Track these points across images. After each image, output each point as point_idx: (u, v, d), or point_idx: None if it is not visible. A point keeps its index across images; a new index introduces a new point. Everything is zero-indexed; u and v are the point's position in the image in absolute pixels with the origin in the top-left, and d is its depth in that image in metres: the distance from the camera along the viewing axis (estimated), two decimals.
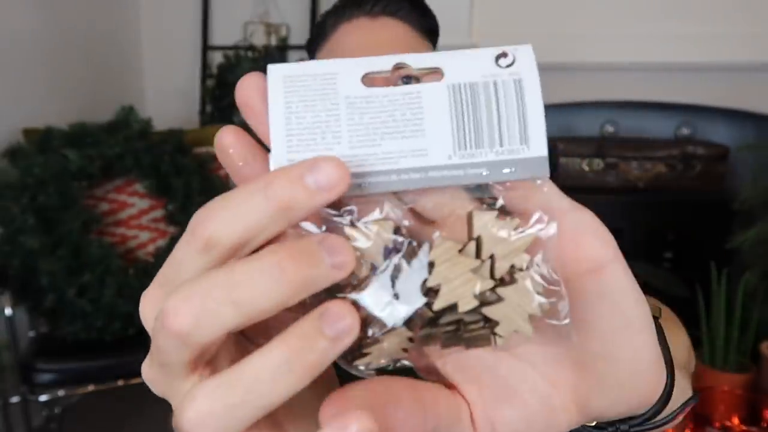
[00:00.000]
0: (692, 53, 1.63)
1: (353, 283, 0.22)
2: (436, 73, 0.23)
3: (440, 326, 0.22)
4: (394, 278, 0.22)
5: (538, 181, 0.23)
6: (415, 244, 0.22)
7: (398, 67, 0.23)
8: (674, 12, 1.68)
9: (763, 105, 1.46)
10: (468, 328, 0.22)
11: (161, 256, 1.64)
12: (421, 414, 0.21)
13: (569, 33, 1.75)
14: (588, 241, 0.22)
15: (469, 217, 0.22)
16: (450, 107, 0.22)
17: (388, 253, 0.22)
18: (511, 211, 0.23)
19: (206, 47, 2.25)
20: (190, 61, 2.28)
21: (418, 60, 0.23)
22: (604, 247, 0.22)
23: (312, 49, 0.76)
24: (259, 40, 2.21)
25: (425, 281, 0.22)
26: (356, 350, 0.22)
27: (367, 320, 0.22)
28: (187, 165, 1.71)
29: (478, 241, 0.22)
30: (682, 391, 0.35)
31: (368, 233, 0.22)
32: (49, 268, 1.47)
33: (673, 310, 0.51)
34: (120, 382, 1.53)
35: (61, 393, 1.53)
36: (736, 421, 0.91)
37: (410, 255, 0.22)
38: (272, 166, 0.21)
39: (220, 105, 2.22)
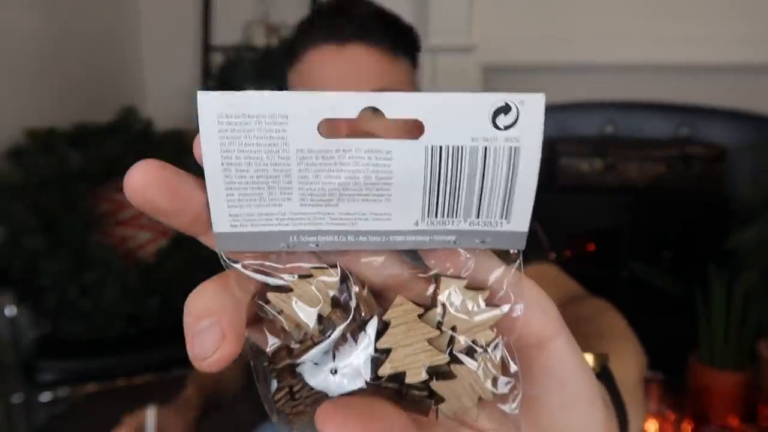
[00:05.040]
0: (692, 53, 1.63)
1: (290, 345, 0.20)
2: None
3: (381, 386, 0.20)
4: (335, 350, 0.19)
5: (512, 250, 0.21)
6: (363, 313, 0.20)
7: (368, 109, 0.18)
8: (674, 12, 1.69)
9: (762, 105, 1.47)
10: (410, 393, 0.20)
11: (162, 256, 1.64)
12: None
13: (569, 33, 1.76)
14: (532, 315, 0.21)
15: (436, 282, 0.20)
16: (425, 174, 0.18)
17: (330, 322, 0.19)
18: (477, 283, 0.20)
19: (207, 47, 2.25)
20: (190, 62, 2.29)
21: (393, 105, 0.18)
22: (550, 321, 0.21)
23: (287, 62, 0.72)
24: (260, 40, 2.22)
25: (370, 359, 0.20)
26: (292, 413, 0.20)
27: (300, 385, 0.20)
28: (189, 165, 1.71)
29: (443, 310, 0.20)
30: (638, 424, 0.34)
31: (312, 296, 0.19)
32: (50, 268, 1.47)
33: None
34: (122, 382, 1.53)
35: (62, 393, 1.53)
36: (735, 420, 0.91)
37: (357, 326, 0.20)
38: (214, 224, 0.19)
39: None
